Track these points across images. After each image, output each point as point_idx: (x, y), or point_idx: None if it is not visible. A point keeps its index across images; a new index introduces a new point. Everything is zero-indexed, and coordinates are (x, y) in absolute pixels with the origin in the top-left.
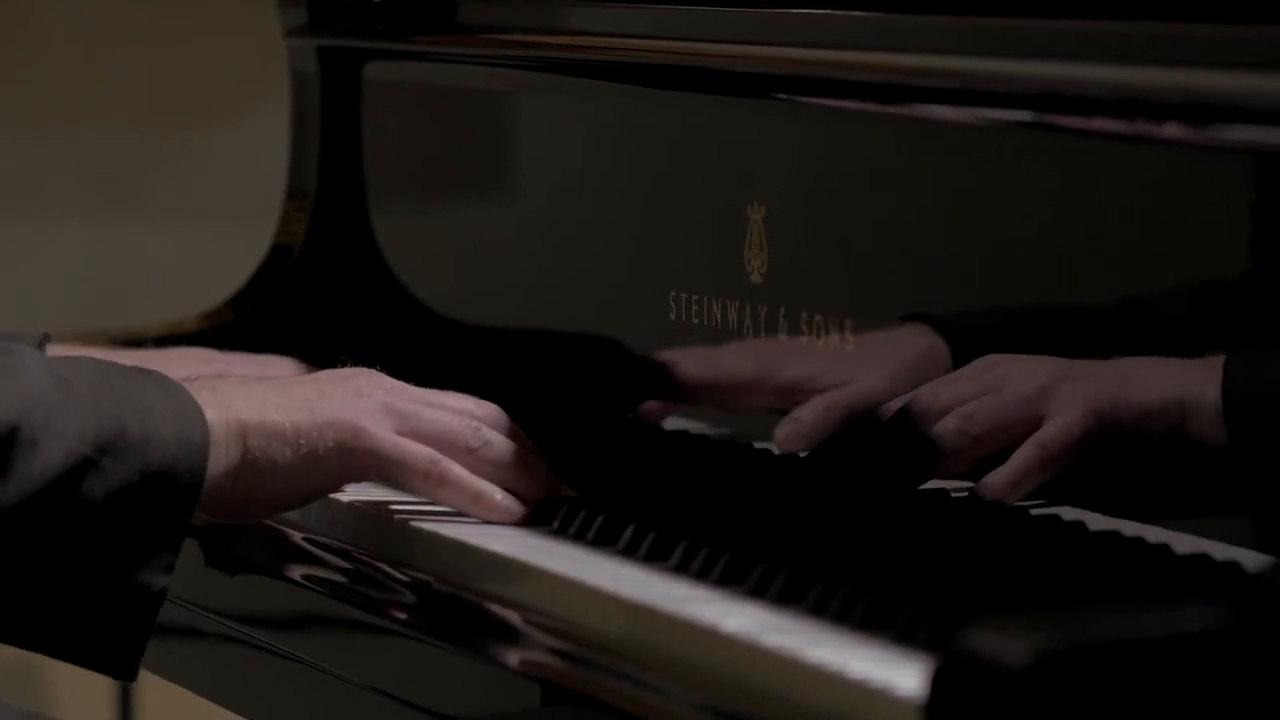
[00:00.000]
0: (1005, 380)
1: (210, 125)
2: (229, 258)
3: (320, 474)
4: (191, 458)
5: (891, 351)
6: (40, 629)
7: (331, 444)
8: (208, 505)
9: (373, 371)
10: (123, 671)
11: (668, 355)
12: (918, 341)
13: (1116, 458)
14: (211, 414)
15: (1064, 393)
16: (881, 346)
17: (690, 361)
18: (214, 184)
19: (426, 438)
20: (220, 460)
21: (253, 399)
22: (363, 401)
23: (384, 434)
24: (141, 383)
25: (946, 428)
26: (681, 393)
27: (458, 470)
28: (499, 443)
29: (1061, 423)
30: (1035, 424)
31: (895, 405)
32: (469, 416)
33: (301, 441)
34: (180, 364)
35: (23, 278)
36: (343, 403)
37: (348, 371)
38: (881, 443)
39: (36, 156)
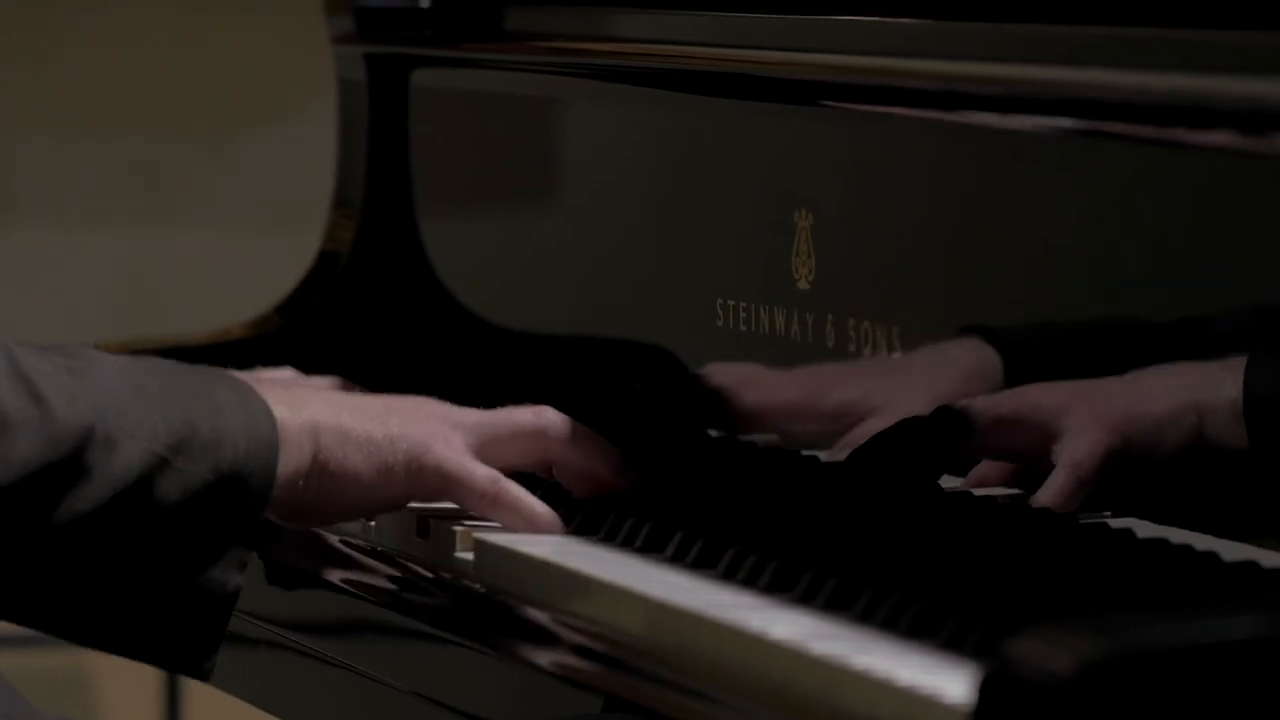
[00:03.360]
0: (1029, 393)
1: (254, 129)
2: (268, 264)
3: (389, 487)
4: (263, 454)
5: (944, 368)
6: (115, 630)
7: (402, 457)
8: (280, 504)
9: (438, 400)
10: (197, 670)
11: (716, 372)
12: (969, 356)
13: (1148, 467)
14: (284, 411)
15: (1085, 409)
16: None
17: (741, 384)
18: (257, 189)
19: (503, 438)
20: (293, 458)
21: (328, 402)
22: (432, 422)
23: (451, 452)
24: (209, 379)
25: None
26: (732, 413)
27: (515, 490)
28: (572, 424)
29: (1089, 440)
30: (1054, 431)
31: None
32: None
33: (373, 450)
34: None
35: (66, 283)
36: (414, 420)
37: (417, 397)
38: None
39: (74, 158)
